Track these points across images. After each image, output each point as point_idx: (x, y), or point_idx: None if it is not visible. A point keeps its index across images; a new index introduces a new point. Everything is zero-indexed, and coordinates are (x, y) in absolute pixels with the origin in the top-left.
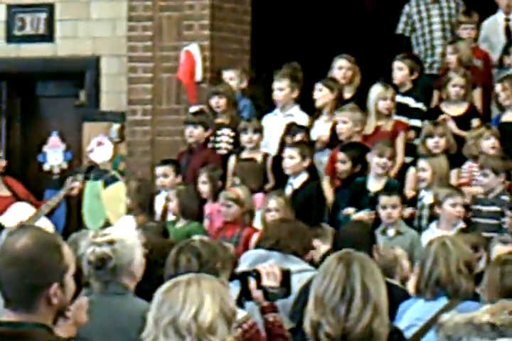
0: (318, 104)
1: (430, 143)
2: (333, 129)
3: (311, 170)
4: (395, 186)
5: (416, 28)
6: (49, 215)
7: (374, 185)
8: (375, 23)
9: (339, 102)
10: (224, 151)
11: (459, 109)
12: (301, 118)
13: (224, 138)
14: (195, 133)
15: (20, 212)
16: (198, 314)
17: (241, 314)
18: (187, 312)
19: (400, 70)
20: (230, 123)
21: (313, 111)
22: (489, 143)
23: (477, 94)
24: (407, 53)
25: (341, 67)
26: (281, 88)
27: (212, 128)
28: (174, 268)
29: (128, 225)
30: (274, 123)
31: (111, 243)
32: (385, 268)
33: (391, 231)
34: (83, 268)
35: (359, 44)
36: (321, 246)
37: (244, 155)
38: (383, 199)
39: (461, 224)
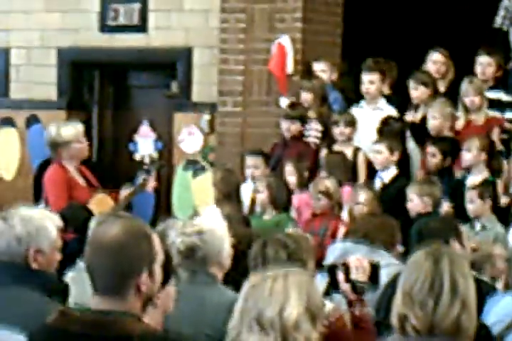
0: (416, 101)
1: None
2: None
3: (402, 163)
4: (488, 181)
5: None
6: (127, 208)
7: (472, 179)
8: (471, 17)
9: (433, 96)
10: (312, 144)
11: None
12: (390, 111)
13: (312, 132)
14: (292, 128)
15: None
16: (283, 311)
17: (329, 306)
18: (272, 308)
19: (488, 65)
20: (318, 117)
21: (401, 105)
22: None
23: None
24: (495, 48)
25: (435, 62)
26: (371, 81)
27: (305, 122)
28: (262, 260)
29: (213, 215)
30: (361, 117)
31: (200, 233)
32: (477, 263)
33: (477, 226)
34: (173, 257)
35: (453, 37)
36: None
37: (336, 148)
38: (467, 194)
39: None
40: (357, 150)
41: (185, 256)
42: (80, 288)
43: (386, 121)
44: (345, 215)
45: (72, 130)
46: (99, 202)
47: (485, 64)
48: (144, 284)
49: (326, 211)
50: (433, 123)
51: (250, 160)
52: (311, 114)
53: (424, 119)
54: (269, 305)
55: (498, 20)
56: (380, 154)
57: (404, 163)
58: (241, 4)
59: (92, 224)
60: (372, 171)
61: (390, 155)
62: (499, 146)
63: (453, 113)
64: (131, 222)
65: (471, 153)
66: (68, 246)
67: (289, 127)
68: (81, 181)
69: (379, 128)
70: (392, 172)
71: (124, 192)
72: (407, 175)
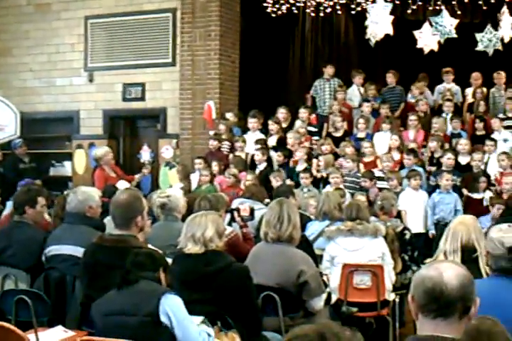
0: (273, 131)
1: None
2: (279, 140)
3: (269, 161)
4: (307, 168)
5: (319, 94)
6: (137, 186)
7: (300, 167)
8: (298, 90)
9: (282, 129)
10: (225, 152)
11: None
12: (261, 136)
13: (225, 146)
14: (214, 144)
15: (122, 184)
16: (205, 232)
17: (229, 229)
18: (199, 231)
19: (302, 117)
20: (228, 139)
21: (267, 133)
22: (348, 150)
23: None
24: (309, 106)
25: (282, 113)
26: (252, 122)
27: (221, 141)
28: (198, 207)
29: (176, 188)
30: (249, 138)
31: (167, 196)
32: (302, 207)
33: (305, 190)
34: (154, 208)
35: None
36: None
37: (237, 153)
38: (301, 175)
39: (341, 186)
40: (247, 154)
41: (161, 208)
42: (110, 225)
43: (259, 140)
44: (242, 186)
45: (101, 151)
46: (121, 184)
47: (301, 113)
48: (139, 222)
49: (234, 184)
50: (290, 142)
51: (197, 161)
52: (225, 137)
53: (279, 139)
54: (198, 230)
55: (312, 92)
56: (258, 156)
57: (269, 161)
58: (189, 86)
59: (117, 193)
60: (254, 165)
61: (262, 156)
62: (314, 150)
63: (296, 136)
64: (132, 191)
65: (300, 154)
66: (105, 205)
67: (212, 143)
68: (112, 174)
69: (256, 143)
70: (263, 165)
71: (137, 175)
72: (271, 167)
